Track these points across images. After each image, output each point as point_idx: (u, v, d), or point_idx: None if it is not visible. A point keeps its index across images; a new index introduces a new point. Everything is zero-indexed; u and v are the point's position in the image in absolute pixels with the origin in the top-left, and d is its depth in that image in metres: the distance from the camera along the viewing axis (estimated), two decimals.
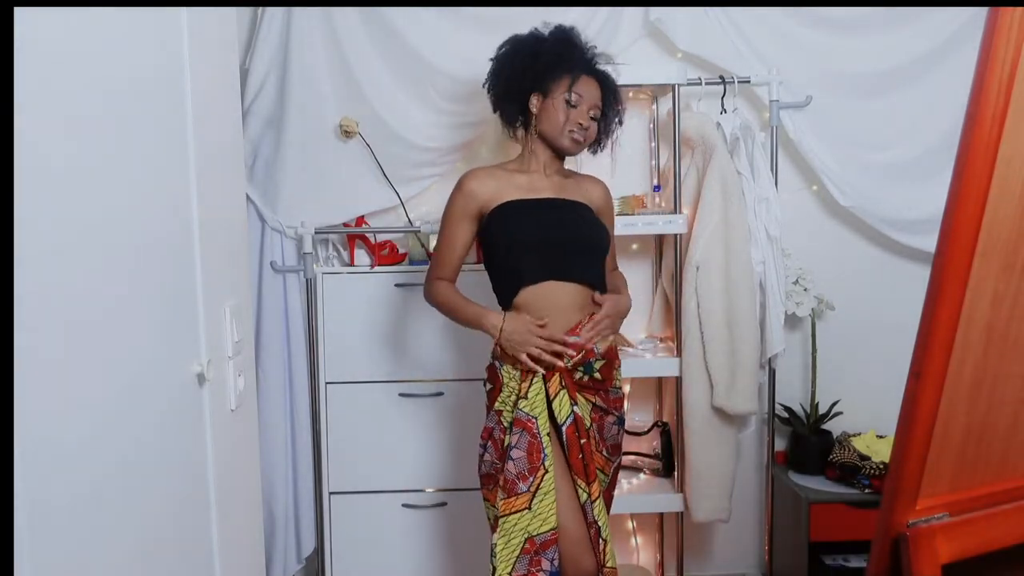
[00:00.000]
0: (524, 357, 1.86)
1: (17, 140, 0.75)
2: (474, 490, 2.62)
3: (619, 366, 2.02)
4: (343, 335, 2.59)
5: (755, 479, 2.83)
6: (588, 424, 1.91)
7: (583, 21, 2.53)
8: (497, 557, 1.83)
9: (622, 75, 2.46)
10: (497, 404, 1.93)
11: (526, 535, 1.83)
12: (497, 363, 1.95)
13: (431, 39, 2.52)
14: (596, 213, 2.02)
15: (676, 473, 2.60)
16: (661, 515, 2.73)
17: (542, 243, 1.90)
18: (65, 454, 0.84)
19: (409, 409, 2.62)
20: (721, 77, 2.54)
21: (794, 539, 2.58)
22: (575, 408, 1.89)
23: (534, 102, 1.96)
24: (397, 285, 2.59)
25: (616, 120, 2.05)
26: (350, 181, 2.59)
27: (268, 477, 2.54)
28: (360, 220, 2.63)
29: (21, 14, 0.77)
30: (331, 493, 2.63)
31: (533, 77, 1.94)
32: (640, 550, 2.79)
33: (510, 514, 1.83)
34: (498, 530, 1.85)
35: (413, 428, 2.62)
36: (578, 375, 1.92)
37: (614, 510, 2.59)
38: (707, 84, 2.53)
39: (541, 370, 1.87)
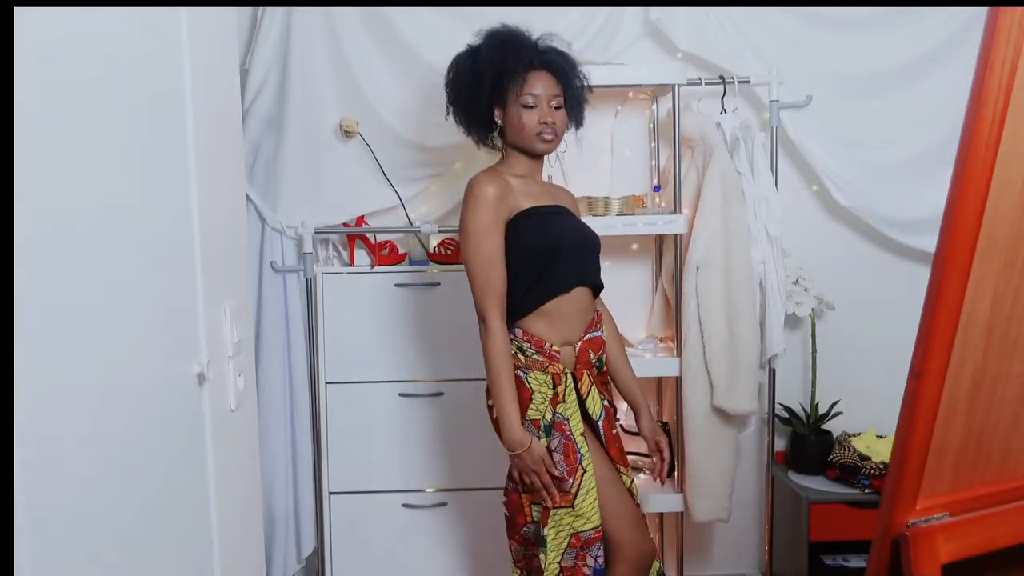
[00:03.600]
0: (520, 477, 1.86)
1: (17, 140, 0.75)
2: (474, 490, 2.63)
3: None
4: (343, 335, 2.59)
5: (755, 479, 2.83)
6: (599, 416, 1.96)
7: (583, 21, 2.53)
8: (548, 546, 1.86)
9: (622, 75, 2.47)
10: (532, 414, 1.86)
11: (571, 531, 1.87)
12: (521, 372, 1.88)
13: (431, 39, 2.52)
14: None
15: (676, 473, 2.60)
16: (661, 515, 2.72)
17: (569, 250, 1.91)
18: (65, 454, 0.84)
19: (409, 409, 2.62)
20: (721, 77, 2.54)
21: (794, 539, 2.58)
22: (605, 403, 1.96)
23: (498, 115, 1.93)
24: (397, 285, 2.59)
25: (582, 96, 1.99)
26: (350, 181, 2.59)
27: (268, 477, 2.54)
28: (360, 220, 2.63)
29: (21, 14, 0.77)
30: (331, 493, 2.63)
31: (486, 93, 1.89)
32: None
33: (560, 507, 1.86)
34: (549, 522, 1.86)
35: (413, 428, 2.62)
36: (596, 371, 1.98)
37: None
38: (707, 84, 2.53)
39: (537, 485, 1.85)
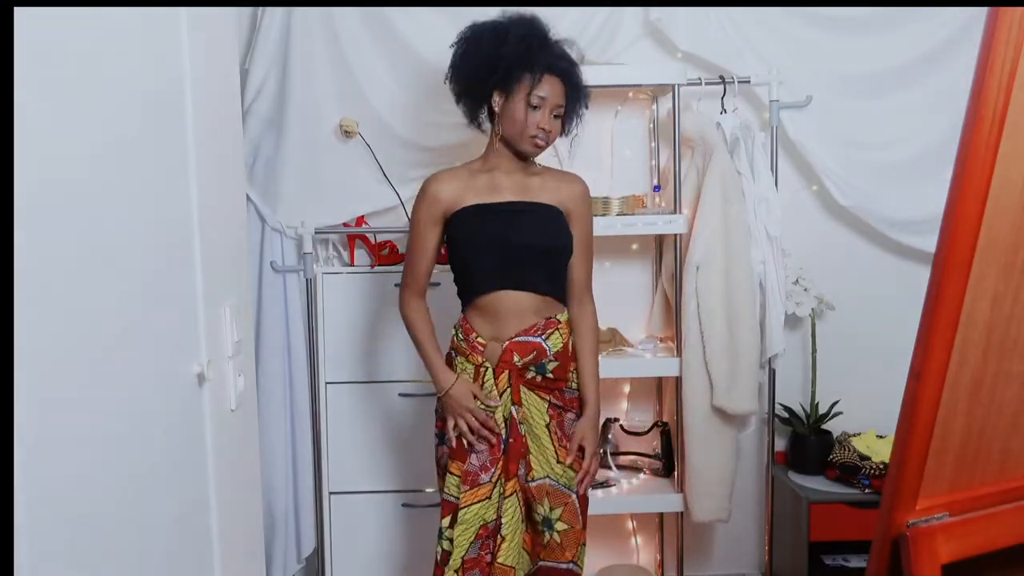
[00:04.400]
0: (450, 423, 1.93)
1: (17, 140, 0.75)
2: None
3: (574, 368, 2.00)
4: (343, 335, 2.59)
5: (755, 479, 2.83)
6: (547, 421, 1.94)
7: (583, 21, 2.53)
8: (454, 542, 1.90)
9: (622, 75, 2.47)
10: None
11: (482, 522, 1.90)
12: (453, 352, 2.01)
13: (431, 39, 2.52)
14: (565, 215, 1.97)
15: (676, 473, 2.60)
16: (661, 515, 2.72)
17: (494, 252, 1.90)
18: (65, 454, 0.84)
19: (409, 409, 2.62)
20: (721, 77, 2.54)
21: (794, 539, 2.58)
22: (513, 409, 1.93)
23: (496, 100, 1.92)
24: (397, 285, 2.57)
25: (578, 116, 2.00)
26: (350, 181, 2.59)
27: (268, 477, 2.54)
28: (360, 220, 2.63)
29: (21, 14, 0.77)
30: (331, 493, 2.63)
31: (495, 75, 1.88)
32: (640, 550, 2.79)
33: (472, 504, 1.90)
34: (458, 522, 1.89)
35: (413, 428, 2.62)
36: (530, 374, 1.94)
37: (615, 509, 2.61)
38: (707, 84, 2.53)
39: (463, 427, 1.92)
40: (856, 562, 2.54)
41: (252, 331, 1.66)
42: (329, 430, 2.61)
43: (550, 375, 1.95)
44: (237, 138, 1.44)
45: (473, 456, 1.91)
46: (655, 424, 2.67)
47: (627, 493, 2.58)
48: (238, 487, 1.38)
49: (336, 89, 2.55)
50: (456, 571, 1.89)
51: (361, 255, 2.69)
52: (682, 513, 2.57)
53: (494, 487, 1.91)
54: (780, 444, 2.79)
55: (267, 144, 2.57)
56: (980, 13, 2.51)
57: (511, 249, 1.90)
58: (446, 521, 1.93)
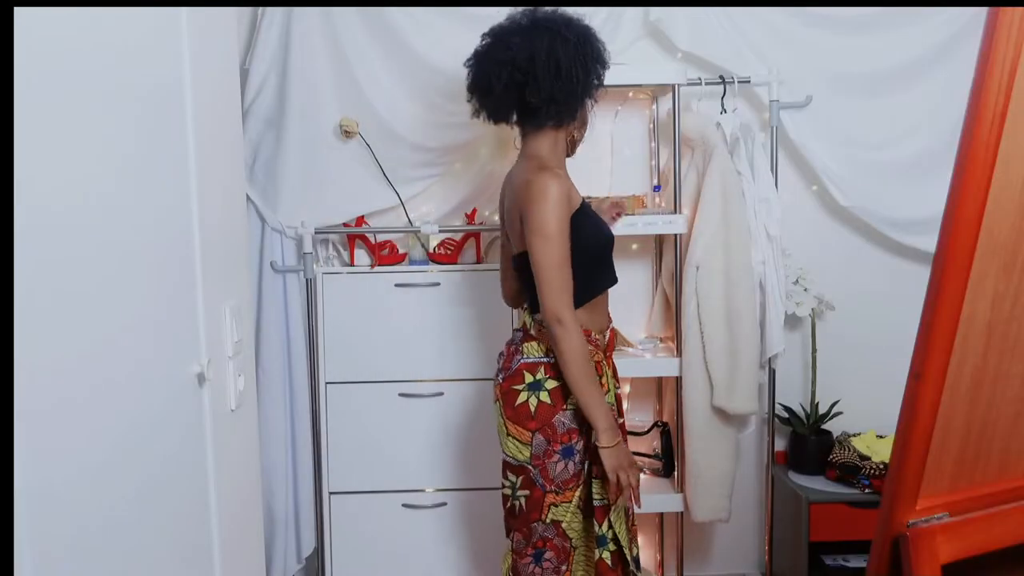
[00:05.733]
0: (613, 476, 1.82)
1: (17, 139, 0.75)
2: (474, 490, 2.63)
3: None
4: (343, 335, 2.59)
5: (755, 479, 2.83)
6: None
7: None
8: (620, 539, 1.89)
9: (622, 75, 2.46)
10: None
11: (624, 510, 1.93)
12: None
13: (431, 39, 2.52)
14: None
15: (676, 473, 2.60)
16: (661, 515, 2.72)
17: (611, 245, 1.98)
18: (65, 453, 0.84)
19: (409, 409, 2.62)
20: (721, 77, 2.54)
21: (794, 539, 2.58)
22: (620, 390, 2.03)
23: (588, 106, 1.95)
24: (397, 285, 2.59)
25: None
26: (350, 181, 2.59)
27: (268, 477, 2.54)
28: (360, 220, 2.63)
29: (21, 14, 0.77)
30: (331, 493, 2.63)
31: (598, 79, 1.90)
32: (640, 550, 2.79)
33: (616, 499, 1.87)
34: (615, 521, 1.88)
35: (413, 428, 2.62)
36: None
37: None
38: (707, 84, 2.53)
39: (627, 483, 1.86)
40: (856, 562, 2.54)
41: (252, 331, 1.66)
42: (329, 430, 2.61)
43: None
44: (237, 138, 1.44)
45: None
46: (655, 424, 2.67)
47: None
48: (238, 487, 1.38)
49: (336, 89, 2.55)
50: (634, 559, 1.94)
51: (361, 255, 2.69)
52: (682, 513, 2.57)
53: None
54: (780, 444, 2.79)
55: (267, 144, 2.57)
56: (980, 13, 2.51)
57: (612, 241, 1.99)
58: (604, 526, 1.88)
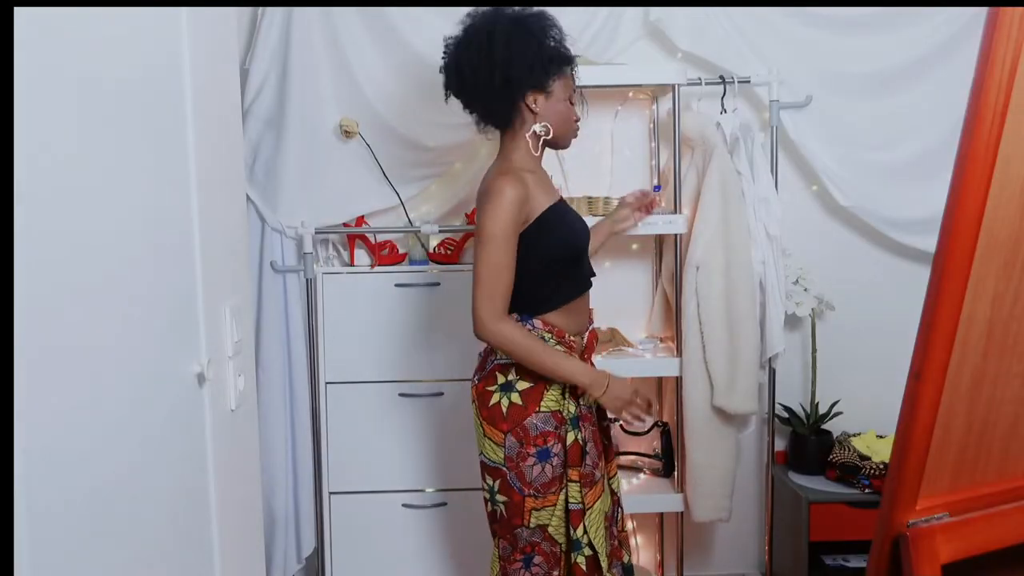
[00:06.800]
0: (621, 415, 1.90)
1: (17, 140, 0.75)
2: (475, 490, 2.62)
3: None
4: (343, 335, 2.59)
5: (755, 479, 2.83)
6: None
7: (583, 21, 2.53)
8: (596, 546, 1.87)
9: (622, 75, 2.47)
10: (551, 404, 1.84)
11: (603, 516, 1.91)
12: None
13: (431, 39, 2.52)
14: None
15: (676, 473, 2.60)
16: (661, 515, 2.73)
17: (584, 249, 1.95)
18: (65, 453, 0.84)
19: (409, 409, 2.62)
20: (721, 77, 2.54)
21: (794, 539, 2.58)
22: None
23: (532, 100, 1.84)
24: (397, 285, 2.59)
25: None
26: (350, 181, 2.59)
27: (268, 477, 2.54)
28: (360, 220, 2.63)
29: (21, 14, 0.77)
30: (331, 493, 2.63)
31: (533, 75, 1.80)
32: (640, 550, 2.79)
33: (594, 504, 1.88)
34: (588, 525, 1.86)
35: (413, 428, 2.62)
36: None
37: None
38: (707, 84, 2.53)
39: (629, 419, 1.96)
40: (856, 562, 2.54)
41: (252, 331, 1.66)
42: (329, 430, 2.61)
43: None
44: (237, 138, 1.44)
45: (587, 457, 1.88)
46: (655, 424, 2.67)
47: (627, 493, 2.58)
48: (238, 487, 1.38)
49: (336, 89, 2.55)
50: (609, 571, 1.91)
51: (361, 255, 2.69)
52: (682, 513, 2.57)
53: (603, 479, 1.94)
54: (780, 444, 2.79)
55: (267, 144, 2.57)
56: (980, 13, 2.51)
57: (585, 246, 1.96)
58: (579, 531, 1.86)
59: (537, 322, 1.86)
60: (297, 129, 2.54)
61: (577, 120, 1.94)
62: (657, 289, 2.73)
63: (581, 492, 1.85)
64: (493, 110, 1.87)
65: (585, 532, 1.86)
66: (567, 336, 1.88)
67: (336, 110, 2.55)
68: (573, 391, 1.86)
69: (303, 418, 2.61)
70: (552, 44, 1.84)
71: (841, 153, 2.64)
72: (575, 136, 1.96)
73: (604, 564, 1.88)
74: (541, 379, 1.84)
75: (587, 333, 1.97)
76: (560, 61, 1.85)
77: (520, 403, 1.84)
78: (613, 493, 2.02)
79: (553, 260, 1.85)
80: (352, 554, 2.65)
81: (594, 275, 2.01)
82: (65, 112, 0.86)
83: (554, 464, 1.84)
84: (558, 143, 1.93)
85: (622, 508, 2.07)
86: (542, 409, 1.83)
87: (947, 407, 1.08)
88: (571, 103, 1.91)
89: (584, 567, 1.86)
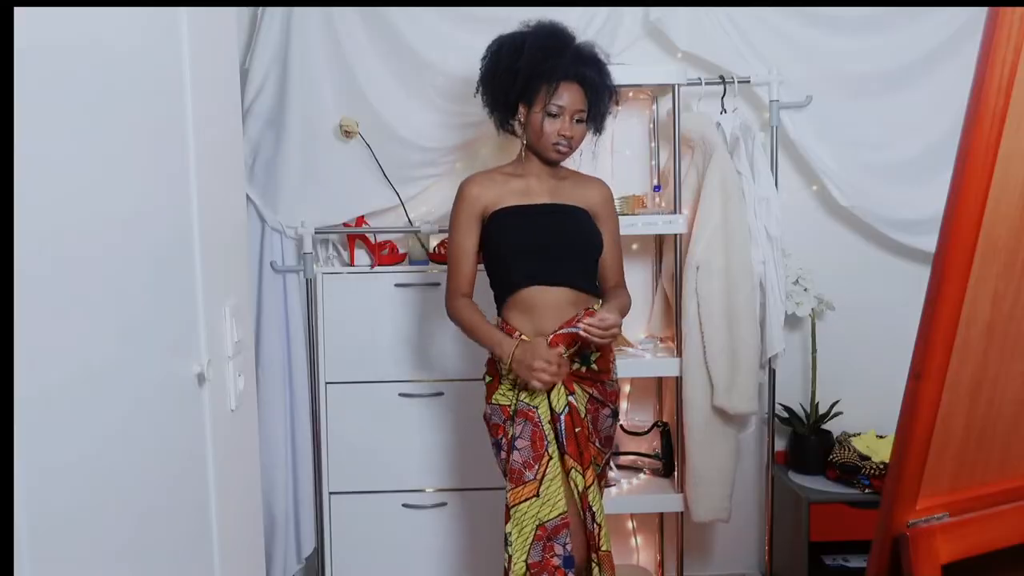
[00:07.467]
0: (533, 384, 1.89)
1: (17, 140, 0.75)
2: (474, 490, 2.63)
3: (614, 359, 2.09)
4: (343, 335, 2.59)
5: (755, 479, 2.83)
6: (583, 414, 1.97)
7: (583, 21, 2.53)
8: (512, 546, 1.91)
9: (622, 75, 2.46)
10: (499, 398, 1.99)
11: (536, 522, 1.91)
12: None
13: (431, 39, 2.52)
14: (593, 217, 2.06)
15: (676, 473, 2.60)
16: (661, 515, 2.72)
17: (532, 249, 1.97)
18: (64, 454, 0.84)
19: (409, 409, 2.62)
20: (721, 77, 2.54)
21: (794, 539, 2.58)
22: (571, 398, 1.95)
23: (521, 112, 2.00)
24: (397, 285, 2.59)
25: (610, 115, 2.10)
26: (350, 181, 2.59)
27: (268, 477, 2.54)
28: (360, 220, 2.63)
29: (21, 14, 0.77)
30: (331, 493, 2.63)
31: (516, 90, 1.97)
32: (640, 550, 2.79)
33: (520, 503, 1.91)
34: (511, 520, 1.91)
35: (413, 428, 2.62)
36: (575, 366, 1.99)
37: (614, 509, 2.61)
38: (707, 84, 2.53)
39: (540, 386, 1.91)
40: (856, 562, 2.54)
41: (252, 331, 1.66)
42: (329, 430, 2.61)
43: (594, 366, 2.01)
44: (237, 138, 1.44)
45: (516, 453, 1.93)
46: (655, 424, 2.67)
47: (627, 493, 2.58)
48: (238, 487, 1.38)
49: (336, 89, 2.55)
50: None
51: (361, 255, 2.69)
52: (682, 513, 2.57)
53: (540, 484, 1.92)
54: (780, 444, 2.79)
55: (267, 144, 2.57)
56: (980, 13, 2.51)
57: (548, 247, 1.98)
58: (508, 525, 1.93)
59: (500, 319, 2.03)
60: (297, 129, 2.54)
61: (562, 136, 1.95)
62: (657, 289, 2.73)
63: (507, 485, 1.93)
64: (494, 116, 2.07)
65: (512, 528, 1.91)
66: (517, 334, 1.97)
67: (336, 110, 2.55)
68: (525, 387, 1.93)
69: (303, 418, 2.61)
70: (537, 59, 1.93)
71: (841, 153, 2.64)
72: (555, 152, 1.98)
73: (519, 572, 1.90)
74: (498, 373, 1.99)
75: (550, 337, 1.93)
76: (534, 77, 1.94)
77: (485, 394, 2.03)
78: (584, 497, 1.95)
79: (490, 257, 2.03)
80: (352, 554, 2.65)
81: (559, 283, 1.97)
82: (64, 112, 0.86)
83: (502, 457, 2.00)
84: (538, 155, 2.02)
85: (593, 512, 1.95)
86: (493, 401, 2.00)
87: (947, 407, 1.08)
88: (554, 116, 1.95)
89: (505, 565, 1.93)
